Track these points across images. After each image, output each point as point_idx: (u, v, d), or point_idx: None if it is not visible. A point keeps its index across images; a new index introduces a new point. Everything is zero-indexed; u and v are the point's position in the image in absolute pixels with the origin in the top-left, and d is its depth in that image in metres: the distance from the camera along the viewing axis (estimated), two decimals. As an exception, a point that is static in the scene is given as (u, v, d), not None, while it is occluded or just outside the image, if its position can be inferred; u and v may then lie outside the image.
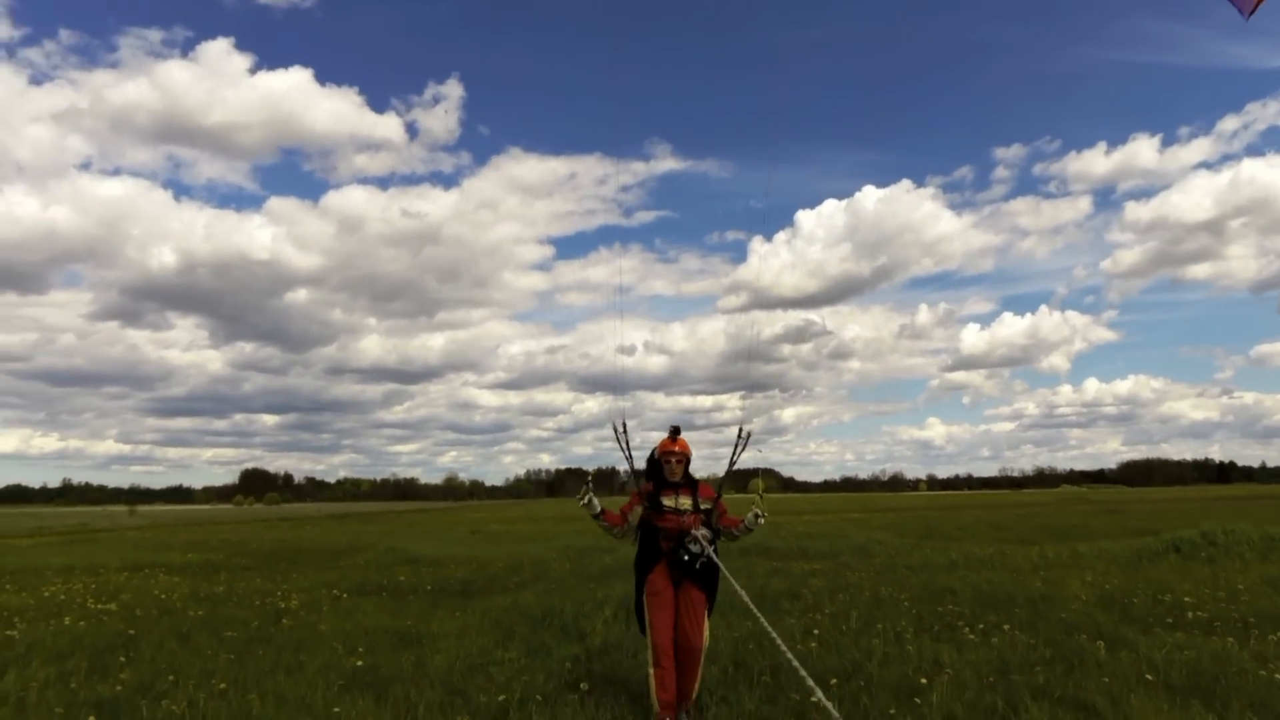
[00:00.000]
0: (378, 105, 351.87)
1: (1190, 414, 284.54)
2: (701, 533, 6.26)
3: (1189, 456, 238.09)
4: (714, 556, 6.24)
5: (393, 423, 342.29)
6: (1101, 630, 9.15)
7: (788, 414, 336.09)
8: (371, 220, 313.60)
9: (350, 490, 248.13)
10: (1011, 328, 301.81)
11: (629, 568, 6.85)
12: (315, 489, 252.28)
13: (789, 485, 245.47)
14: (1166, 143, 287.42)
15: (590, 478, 6.66)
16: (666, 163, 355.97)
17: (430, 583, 15.19)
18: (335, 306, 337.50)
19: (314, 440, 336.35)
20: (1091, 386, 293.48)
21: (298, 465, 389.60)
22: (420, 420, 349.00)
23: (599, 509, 6.40)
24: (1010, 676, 7.24)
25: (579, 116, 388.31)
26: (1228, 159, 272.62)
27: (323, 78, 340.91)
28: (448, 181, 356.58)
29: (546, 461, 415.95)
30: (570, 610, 10.79)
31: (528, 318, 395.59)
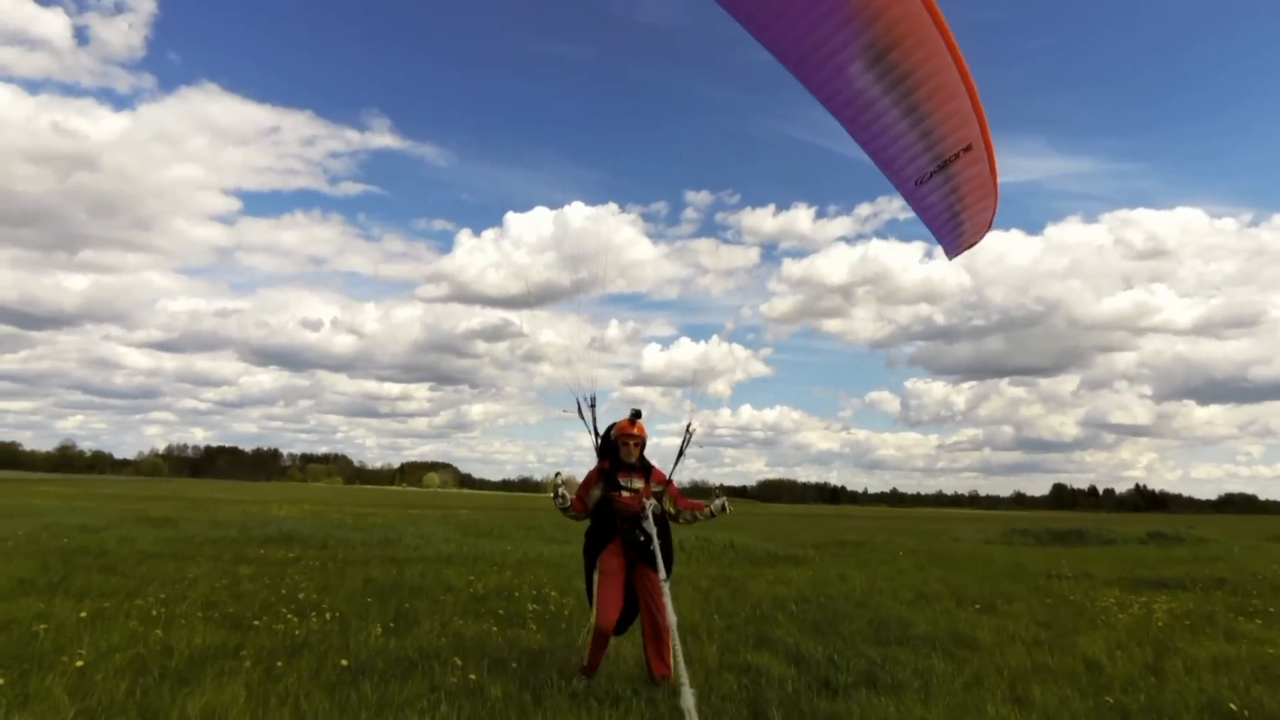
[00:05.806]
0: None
1: (818, 444, 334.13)
2: (650, 503, 6.44)
3: (813, 480, 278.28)
4: (668, 511, 6.67)
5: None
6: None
7: (475, 410, 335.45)
8: (9, 128, 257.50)
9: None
10: (688, 352, 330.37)
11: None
12: None
13: (465, 482, 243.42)
14: (819, 215, 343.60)
15: (559, 475, 6.87)
16: (383, 138, 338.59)
17: None
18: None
19: None
20: (746, 412, 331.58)
21: None
22: (40, 374, 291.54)
23: (569, 504, 6.59)
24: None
25: (292, 66, 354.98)
26: (861, 237, 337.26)
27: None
28: (120, 103, 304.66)
29: (200, 437, 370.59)
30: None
31: (198, 273, 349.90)
